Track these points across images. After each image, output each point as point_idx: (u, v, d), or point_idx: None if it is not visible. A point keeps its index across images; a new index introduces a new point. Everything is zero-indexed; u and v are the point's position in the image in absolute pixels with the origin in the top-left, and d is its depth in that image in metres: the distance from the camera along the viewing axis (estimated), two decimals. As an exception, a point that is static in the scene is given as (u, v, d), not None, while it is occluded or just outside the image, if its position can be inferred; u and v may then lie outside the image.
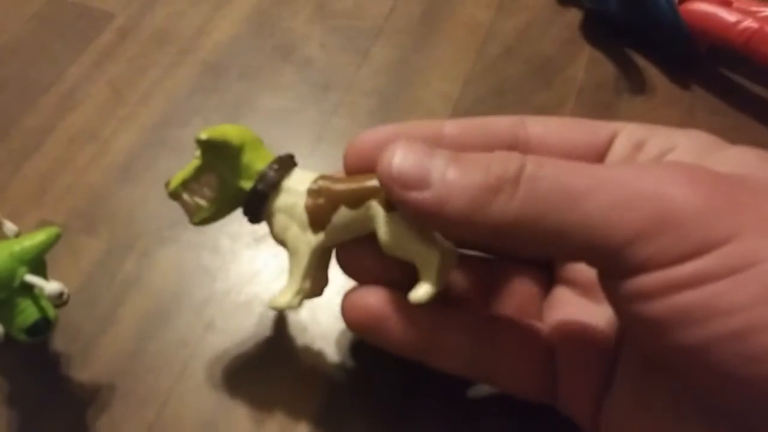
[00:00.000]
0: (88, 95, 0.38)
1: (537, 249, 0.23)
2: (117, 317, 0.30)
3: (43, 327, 0.25)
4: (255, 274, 0.32)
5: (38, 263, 0.26)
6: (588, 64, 0.39)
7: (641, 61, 0.39)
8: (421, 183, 0.21)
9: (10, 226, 0.32)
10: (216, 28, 0.42)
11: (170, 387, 0.29)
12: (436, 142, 0.24)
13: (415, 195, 0.21)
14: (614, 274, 0.20)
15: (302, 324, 0.30)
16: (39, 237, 0.26)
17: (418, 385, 0.28)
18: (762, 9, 0.37)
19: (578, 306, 0.26)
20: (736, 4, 0.38)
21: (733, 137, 0.35)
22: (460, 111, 0.37)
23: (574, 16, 0.41)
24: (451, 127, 0.25)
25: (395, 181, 0.21)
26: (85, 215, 0.34)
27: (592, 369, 0.24)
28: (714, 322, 0.18)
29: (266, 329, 0.30)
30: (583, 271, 0.26)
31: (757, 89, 0.38)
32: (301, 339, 0.30)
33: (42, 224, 0.33)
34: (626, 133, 0.25)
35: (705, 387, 0.19)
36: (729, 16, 0.36)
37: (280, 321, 0.30)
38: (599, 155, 0.25)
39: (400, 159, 0.22)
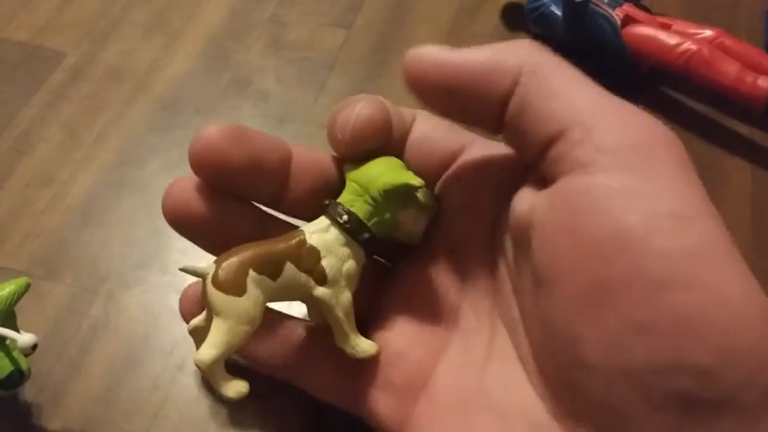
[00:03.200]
0: (42, 138, 0.38)
1: None
2: (86, 363, 0.30)
3: (17, 379, 0.25)
4: (224, 312, 0.32)
5: (8, 315, 0.25)
6: (538, 88, 0.40)
7: (589, 84, 0.40)
8: None
9: (-30, 276, 0.32)
10: (169, 63, 0.42)
11: (145, 431, 0.29)
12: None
13: None
14: None
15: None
16: (8, 289, 0.26)
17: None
18: (700, 31, 0.39)
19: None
20: (675, 27, 0.39)
21: (679, 154, 0.37)
22: (417, 139, 0.38)
23: (523, 41, 0.43)
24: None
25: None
26: (47, 261, 0.33)
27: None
28: None
29: (236, 369, 0.30)
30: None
31: (698, 107, 0.39)
32: (273, 379, 0.30)
33: (3, 272, 0.33)
34: None
35: None
36: (669, 38, 0.38)
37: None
38: None
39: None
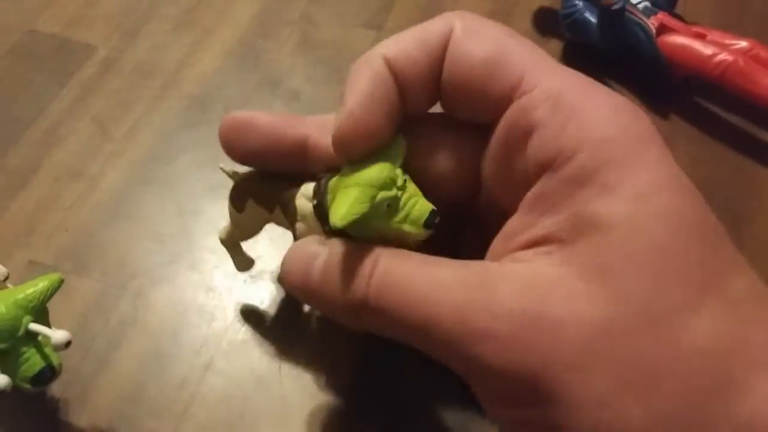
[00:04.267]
0: (72, 131, 0.38)
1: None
2: (114, 360, 0.30)
3: (49, 375, 0.25)
4: (252, 312, 0.32)
5: (41, 311, 0.25)
6: (570, 95, 0.40)
7: (622, 92, 0.40)
8: (306, 289, 0.23)
9: (-1, 268, 0.32)
10: (199, 60, 0.42)
11: (172, 430, 0.28)
12: None
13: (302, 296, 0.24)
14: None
15: (303, 364, 0.30)
16: (42, 284, 0.25)
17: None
18: (735, 42, 0.38)
19: None
20: (710, 37, 0.39)
21: (711, 165, 0.37)
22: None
23: (555, 46, 0.42)
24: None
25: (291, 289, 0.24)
26: (75, 255, 0.33)
27: None
28: None
29: (266, 368, 0.30)
30: None
31: (732, 119, 0.39)
32: (301, 379, 0.30)
33: (31, 265, 0.33)
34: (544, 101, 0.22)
35: None
36: (705, 49, 0.37)
37: (281, 360, 0.30)
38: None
39: (287, 269, 0.24)
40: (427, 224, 0.23)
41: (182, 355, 0.30)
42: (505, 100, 0.22)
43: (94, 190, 0.36)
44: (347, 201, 0.22)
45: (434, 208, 0.23)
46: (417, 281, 0.21)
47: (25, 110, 0.39)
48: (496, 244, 0.23)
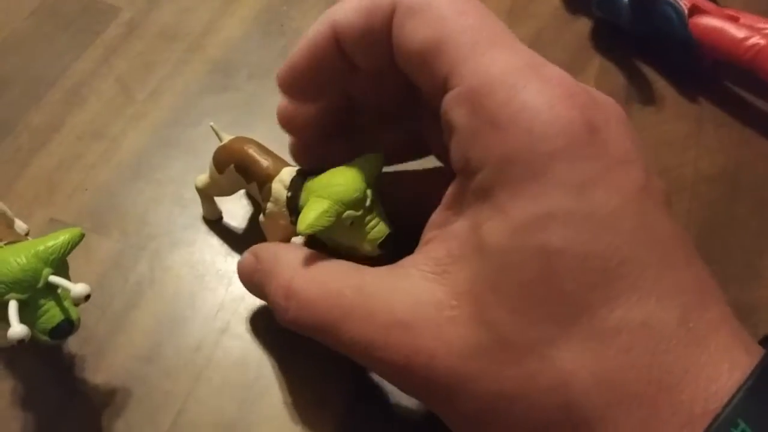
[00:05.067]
0: (95, 91, 0.38)
1: None
2: (131, 320, 0.30)
3: (67, 329, 0.25)
4: (270, 278, 0.31)
5: (61, 264, 0.25)
6: (598, 73, 0.39)
7: (651, 73, 0.39)
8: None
9: (20, 224, 0.32)
10: (224, 25, 0.41)
11: (187, 392, 0.28)
12: None
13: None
14: None
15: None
16: (62, 237, 0.25)
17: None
18: (768, 26, 0.38)
19: None
20: (742, 20, 0.38)
21: (739, 151, 0.36)
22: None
23: (584, 24, 0.42)
24: None
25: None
26: (95, 214, 0.33)
27: None
28: None
29: (281, 334, 0.30)
30: None
31: (763, 104, 0.38)
32: (317, 346, 0.30)
33: (52, 223, 0.33)
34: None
35: None
36: (737, 32, 0.37)
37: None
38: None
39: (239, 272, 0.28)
40: (381, 245, 0.25)
41: (199, 318, 0.30)
42: (441, 89, 0.22)
43: (115, 150, 0.35)
44: (316, 211, 0.24)
45: (391, 231, 0.25)
46: (322, 306, 0.24)
47: (48, 69, 0.39)
48: (425, 231, 0.24)
